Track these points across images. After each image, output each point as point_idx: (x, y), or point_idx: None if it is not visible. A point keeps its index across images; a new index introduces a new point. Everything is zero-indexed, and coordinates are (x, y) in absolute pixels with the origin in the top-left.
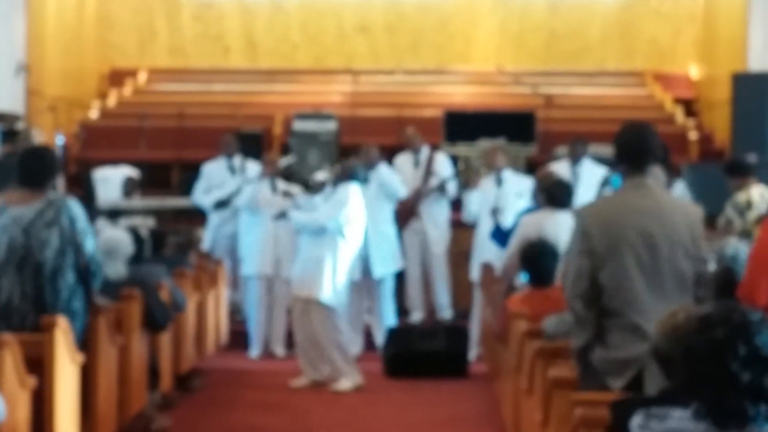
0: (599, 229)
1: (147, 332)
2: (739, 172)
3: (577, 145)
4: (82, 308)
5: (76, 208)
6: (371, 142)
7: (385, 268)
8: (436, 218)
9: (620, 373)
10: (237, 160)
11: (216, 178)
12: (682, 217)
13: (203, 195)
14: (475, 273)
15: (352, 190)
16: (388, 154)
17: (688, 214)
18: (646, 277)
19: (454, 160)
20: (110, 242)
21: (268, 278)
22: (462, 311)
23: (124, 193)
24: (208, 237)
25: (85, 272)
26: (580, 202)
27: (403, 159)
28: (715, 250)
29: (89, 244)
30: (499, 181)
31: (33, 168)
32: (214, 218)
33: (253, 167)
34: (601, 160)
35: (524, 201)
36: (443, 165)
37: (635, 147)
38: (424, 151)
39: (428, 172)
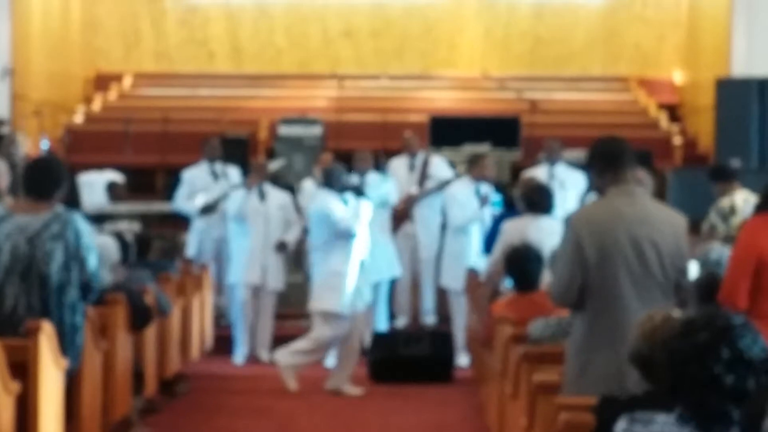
0: (591, 237)
1: (131, 336)
2: (723, 178)
3: (553, 145)
4: (83, 323)
5: (81, 223)
6: (357, 147)
7: (380, 274)
8: (428, 223)
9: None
10: (218, 165)
11: (199, 184)
12: (668, 226)
13: (186, 201)
14: (445, 279)
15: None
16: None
17: (674, 224)
18: (634, 284)
19: (452, 164)
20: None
21: (255, 286)
22: (445, 316)
23: (108, 197)
24: (192, 243)
25: (86, 288)
26: (560, 205)
27: (399, 163)
28: (699, 255)
29: (92, 261)
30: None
31: (39, 179)
32: (199, 223)
33: (234, 172)
34: (579, 165)
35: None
36: (441, 168)
37: (617, 155)
38: (421, 155)
39: (424, 175)
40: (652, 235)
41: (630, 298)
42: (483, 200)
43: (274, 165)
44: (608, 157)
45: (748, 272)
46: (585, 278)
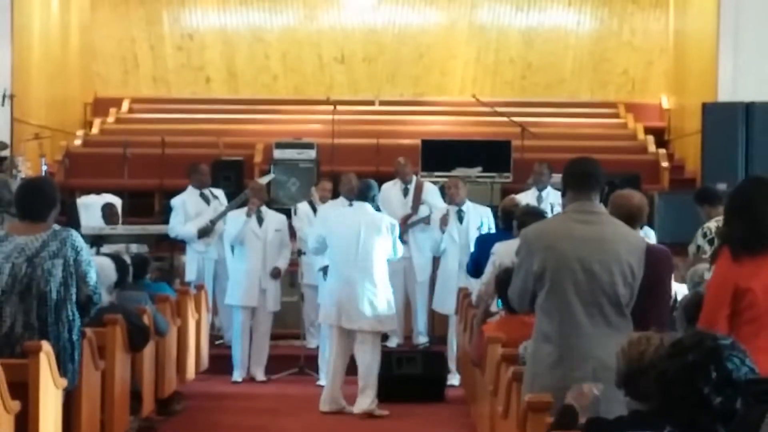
0: (541, 252)
1: (129, 356)
2: (709, 201)
3: (542, 170)
4: (80, 339)
5: (79, 240)
6: (350, 170)
7: None
8: (422, 246)
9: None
10: (206, 190)
11: (191, 209)
12: (624, 245)
13: (182, 226)
14: (438, 304)
15: None
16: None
17: (631, 243)
18: (584, 303)
19: (442, 190)
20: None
21: (253, 308)
22: (437, 337)
23: (104, 220)
24: (191, 266)
25: (86, 303)
26: None
27: (391, 187)
28: (687, 277)
29: (93, 275)
30: (460, 218)
31: (31, 202)
32: (197, 246)
33: (221, 195)
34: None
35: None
36: (434, 194)
37: (580, 174)
38: (414, 180)
39: (417, 201)
40: (606, 254)
41: (579, 314)
42: (442, 222)
43: (263, 180)
44: (573, 177)
45: (725, 300)
46: (534, 291)
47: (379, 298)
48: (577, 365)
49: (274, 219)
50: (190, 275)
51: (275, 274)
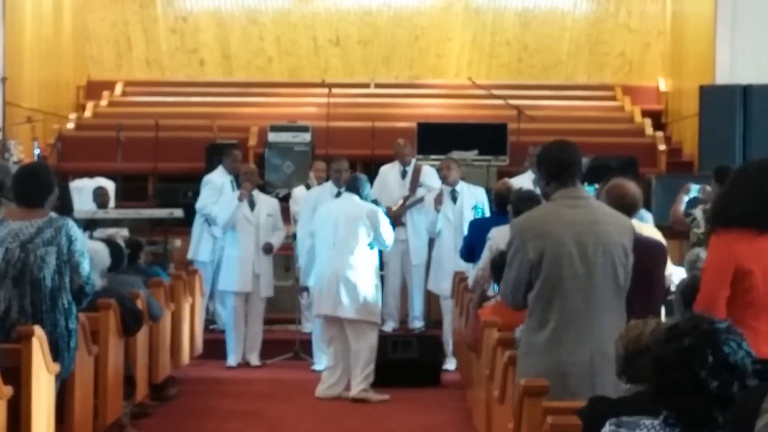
0: (534, 240)
1: (123, 341)
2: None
3: (538, 151)
4: (76, 327)
5: (74, 228)
6: (345, 154)
7: None
8: (419, 229)
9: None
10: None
11: (226, 191)
12: (615, 227)
13: (213, 205)
14: (432, 284)
15: None
16: (362, 166)
17: (620, 224)
18: (581, 286)
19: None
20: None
21: (246, 293)
22: (433, 321)
23: (95, 203)
24: (205, 248)
25: (78, 293)
26: None
27: (390, 170)
28: (685, 260)
29: (86, 265)
30: (454, 198)
31: (29, 187)
32: (216, 231)
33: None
34: None
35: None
36: (431, 177)
37: (563, 164)
38: (412, 163)
39: (415, 183)
40: (599, 236)
41: (576, 299)
42: (436, 202)
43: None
44: (555, 167)
45: (725, 281)
46: (530, 281)
47: (360, 286)
48: (573, 350)
49: (266, 203)
50: (202, 256)
51: (267, 248)
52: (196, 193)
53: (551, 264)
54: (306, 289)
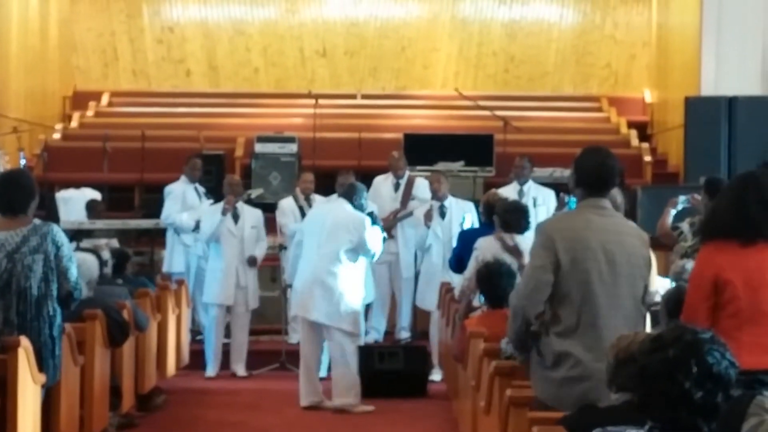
0: (564, 242)
1: (109, 351)
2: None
3: (523, 164)
4: (60, 335)
5: (60, 234)
6: (332, 165)
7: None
8: (409, 242)
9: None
10: (197, 185)
11: (188, 200)
12: (637, 239)
13: (177, 215)
14: (420, 300)
15: None
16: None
17: (641, 237)
18: (606, 293)
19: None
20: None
21: (229, 306)
22: (419, 332)
23: (88, 215)
24: (179, 260)
25: (66, 298)
26: (532, 223)
27: (383, 182)
28: (671, 270)
29: (74, 270)
30: (443, 214)
31: (10, 194)
32: (187, 239)
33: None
34: (546, 183)
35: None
36: (424, 190)
37: (599, 172)
38: (406, 175)
39: (407, 196)
40: (624, 246)
41: (602, 306)
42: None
43: (254, 193)
44: (589, 175)
45: (706, 292)
46: (557, 282)
47: (338, 292)
48: (601, 356)
49: (250, 215)
50: (177, 267)
51: (252, 261)
52: None
53: (579, 268)
54: (290, 286)
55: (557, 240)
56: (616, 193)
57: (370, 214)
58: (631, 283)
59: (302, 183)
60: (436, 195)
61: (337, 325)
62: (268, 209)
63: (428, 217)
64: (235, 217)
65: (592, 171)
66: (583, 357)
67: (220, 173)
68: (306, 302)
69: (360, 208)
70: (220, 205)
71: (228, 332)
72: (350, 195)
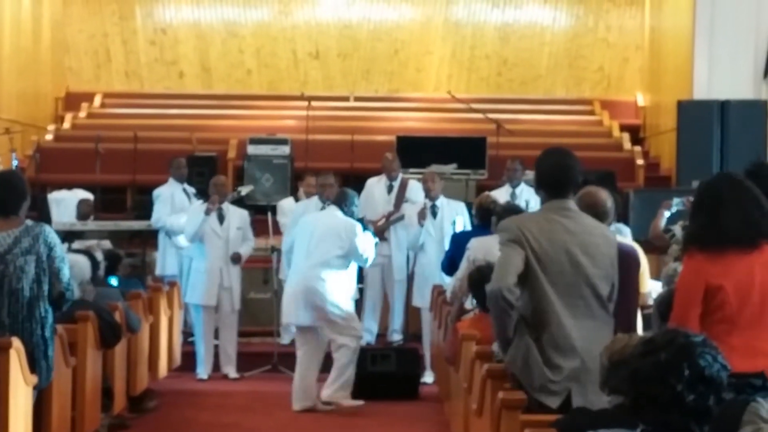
0: (534, 240)
1: (101, 353)
2: None
3: (514, 167)
4: (53, 336)
5: (52, 235)
6: (324, 167)
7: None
8: (401, 244)
9: (554, 392)
10: (186, 185)
11: (177, 203)
12: (603, 239)
13: (168, 217)
14: (416, 299)
15: None
16: (341, 179)
17: (607, 237)
18: (569, 294)
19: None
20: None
21: (213, 307)
22: (411, 334)
23: (78, 216)
24: (171, 261)
25: (59, 299)
26: None
27: (376, 184)
28: (662, 274)
29: (66, 271)
30: (434, 213)
31: (2, 196)
32: (179, 241)
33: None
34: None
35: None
36: (417, 192)
37: (555, 172)
38: (399, 177)
39: (401, 198)
40: (587, 247)
41: (565, 306)
42: (420, 217)
43: (244, 190)
44: (548, 176)
45: (696, 298)
46: (521, 267)
47: (328, 298)
48: (568, 357)
49: (236, 216)
50: (170, 269)
51: (235, 258)
52: None
53: (545, 271)
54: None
55: (527, 231)
56: (606, 197)
57: (360, 221)
58: (594, 284)
59: (306, 186)
60: (429, 194)
61: (331, 326)
62: (260, 211)
63: (422, 215)
64: (221, 218)
65: (550, 172)
66: (551, 355)
67: (212, 175)
68: (293, 308)
69: (351, 214)
70: (204, 205)
71: (217, 334)
72: (341, 201)
